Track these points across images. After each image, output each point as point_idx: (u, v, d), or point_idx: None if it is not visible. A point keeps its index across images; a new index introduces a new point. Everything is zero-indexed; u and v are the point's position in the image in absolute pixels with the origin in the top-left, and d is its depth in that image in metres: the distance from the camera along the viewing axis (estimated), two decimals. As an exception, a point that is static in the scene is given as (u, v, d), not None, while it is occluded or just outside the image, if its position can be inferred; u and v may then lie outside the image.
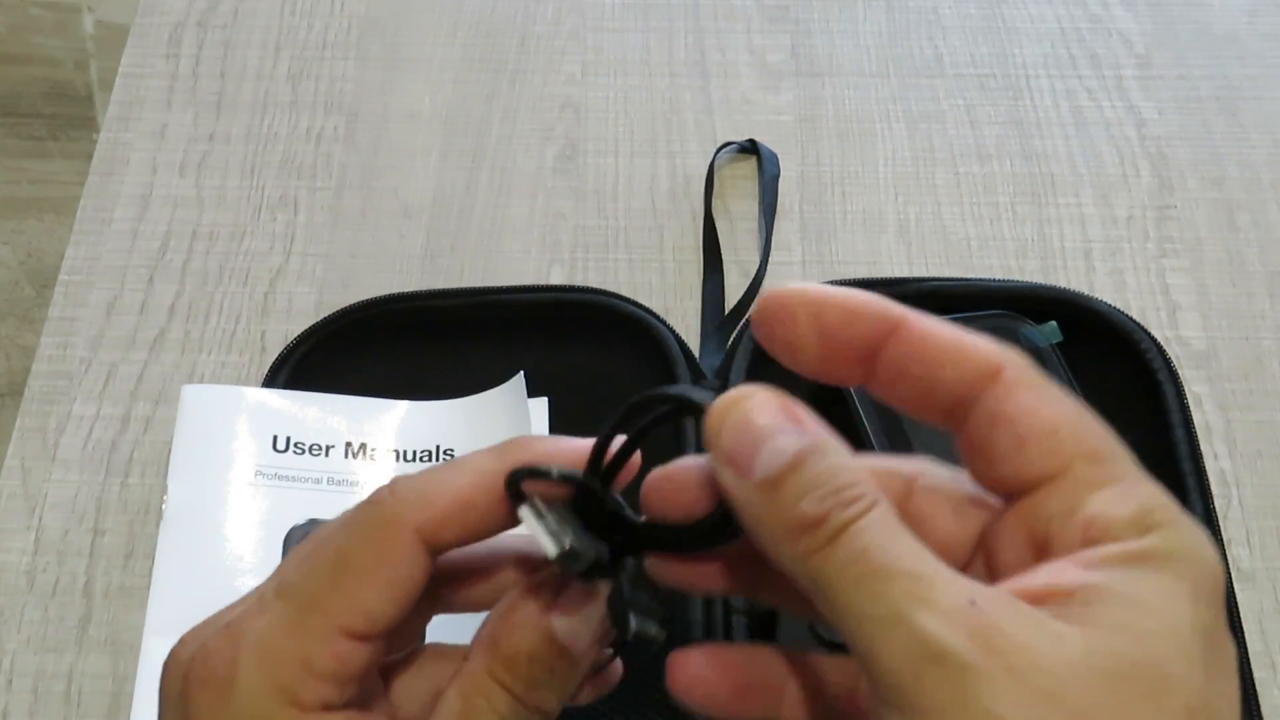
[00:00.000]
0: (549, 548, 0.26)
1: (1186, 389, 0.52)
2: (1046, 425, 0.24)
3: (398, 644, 0.29)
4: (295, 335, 0.55)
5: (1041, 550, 0.24)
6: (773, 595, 0.29)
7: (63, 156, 0.65)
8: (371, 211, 0.61)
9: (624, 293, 0.56)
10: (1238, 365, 0.56)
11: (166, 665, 0.28)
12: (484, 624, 0.28)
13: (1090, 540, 0.23)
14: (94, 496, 0.53)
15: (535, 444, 0.28)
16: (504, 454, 0.28)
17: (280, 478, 0.50)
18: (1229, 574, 0.49)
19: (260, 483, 0.50)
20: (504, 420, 0.51)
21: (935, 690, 0.21)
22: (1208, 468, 0.51)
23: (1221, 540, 0.50)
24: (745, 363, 0.52)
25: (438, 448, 0.51)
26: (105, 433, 0.54)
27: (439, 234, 0.60)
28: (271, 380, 0.53)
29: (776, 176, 0.61)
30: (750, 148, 0.62)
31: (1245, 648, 0.47)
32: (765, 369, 0.52)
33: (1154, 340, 0.53)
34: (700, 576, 0.28)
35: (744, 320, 0.55)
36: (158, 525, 0.52)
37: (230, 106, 0.64)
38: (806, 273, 0.59)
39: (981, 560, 0.26)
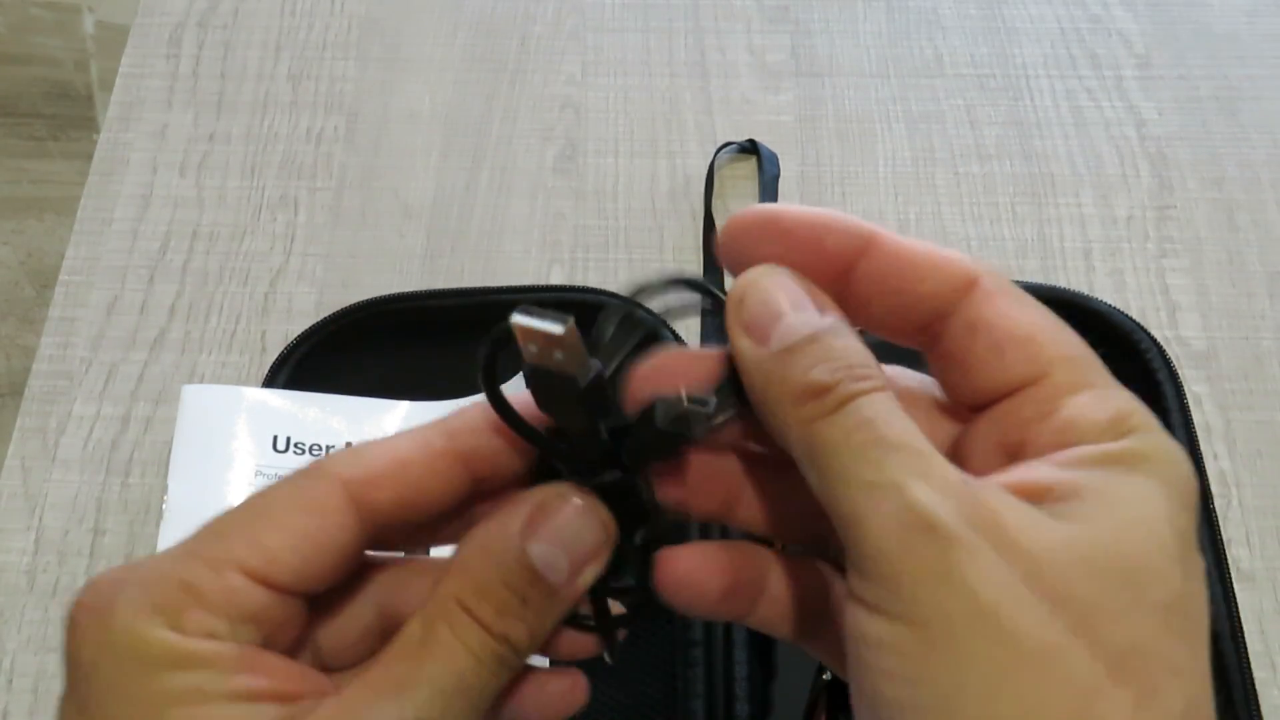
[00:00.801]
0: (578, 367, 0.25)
1: (1186, 389, 0.52)
2: (1025, 330, 0.24)
3: (340, 619, 0.27)
4: (295, 335, 0.55)
5: (1014, 455, 0.24)
6: (770, 524, 0.28)
7: (63, 156, 0.65)
8: (371, 211, 0.61)
9: (624, 293, 0.56)
10: (1238, 365, 0.56)
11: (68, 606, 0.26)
12: (456, 550, 0.26)
13: (1066, 443, 0.23)
14: (94, 496, 0.53)
15: (479, 408, 0.27)
16: (448, 422, 0.27)
17: (280, 478, 0.50)
18: (1226, 573, 0.49)
19: (260, 483, 0.50)
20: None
21: (919, 560, 0.21)
22: (1208, 468, 0.51)
23: (1221, 540, 0.50)
24: None
25: None
26: (105, 433, 0.54)
27: (439, 234, 0.60)
28: (272, 380, 0.53)
29: (777, 177, 0.61)
30: (750, 148, 0.62)
31: (1245, 648, 0.47)
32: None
33: (1154, 340, 0.53)
34: (704, 495, 0.27)
35: None
36: (158, 525, 0.52)
37: (230, 106, 0.64)
38: (806, 273, 0.59)
39: (976, 454, 0.25)
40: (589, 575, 0.26)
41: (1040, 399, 0.24)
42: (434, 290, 0.56)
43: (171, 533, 0.49)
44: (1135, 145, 0.63)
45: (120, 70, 0.66)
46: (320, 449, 0.51)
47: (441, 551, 0.27)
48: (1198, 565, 0.23)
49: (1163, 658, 0.21)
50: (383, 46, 0.67)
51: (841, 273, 0.25)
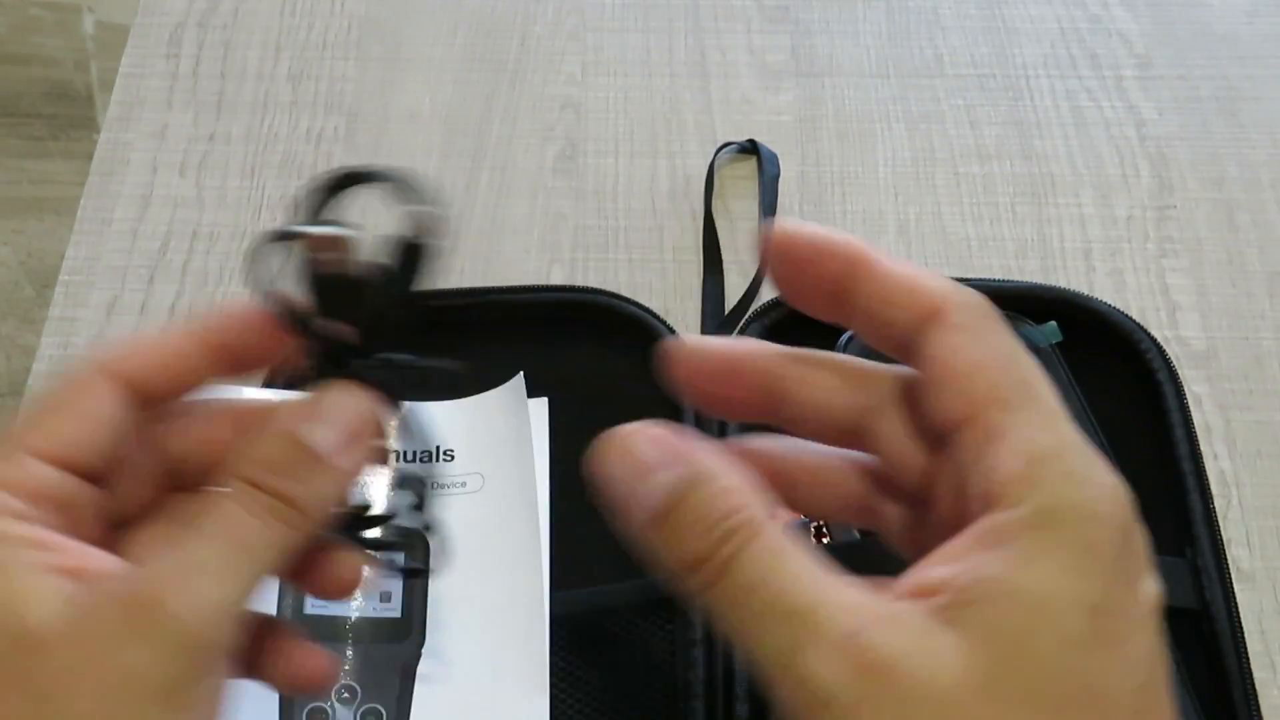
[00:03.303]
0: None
1: (1186, 389, 0.52)
2: (964, 367, 0.24)
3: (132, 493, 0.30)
4: (295, 335, 0.55)
5: (960, 496, 0.24)
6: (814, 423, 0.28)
7: (63, 156, 0.65)
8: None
9: (624, 293, 0.56)
10: (1238, 365, 0.56)
11: None
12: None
13: (987, 502, 0.23)
14: (94, 496, 0.53)
15: (238, 305, 0.30)
16: (207, 315, 0.30)
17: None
18: (1226, 573, 0.49)
19: None
20: (503, 421, 0.51)
21: None
22: (1207, 468, 0.51)
23: (1221, 540, 0.50)
24: None
25: (437, 448, 0.51)
26: (105, 433, 0.54)
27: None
28: (271, 381, 0.53)
29: (776, 176, 0.61)
30: (750, 148, 0.62)
31: (1245, 647, 0.47)
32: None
33: (1154, 340, 0.53)
34: (741, 386, 0.27)
35: (744, 320, 0.54)
36: (158, 525, 0.52)
37: (230, 106, 0.64)
38: (806, 273, 0.59)
39: (942, 497, 0.26)
40: (359, 450, 0.28)
41: (971, 442, 0.24)
42: (435, 290, 0.56)
43: None
44: (1135, 145, 0.63)
45: (120, 70, 0.66)
46: None
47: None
48: (1118, 624, 0.22)
49: None
50: (383, 46, 0.67)
51: (840, 290, 0.26)
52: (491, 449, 0.51)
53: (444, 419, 0.52)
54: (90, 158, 0.63)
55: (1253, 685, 0.47)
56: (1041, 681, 0.22)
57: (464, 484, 0.50)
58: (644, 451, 0.24)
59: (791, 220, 0.25)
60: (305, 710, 0.45)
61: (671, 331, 0.54)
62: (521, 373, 0.51)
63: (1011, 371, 0.24)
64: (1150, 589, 0.23)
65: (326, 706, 0.45)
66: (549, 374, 0.53)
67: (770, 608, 0.22)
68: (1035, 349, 0.50)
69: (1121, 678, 0.22)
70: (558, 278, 0.59)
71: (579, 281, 0.58)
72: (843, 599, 0.23)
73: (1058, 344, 0.51)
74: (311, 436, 0.27)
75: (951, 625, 0.22)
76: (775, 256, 0.26)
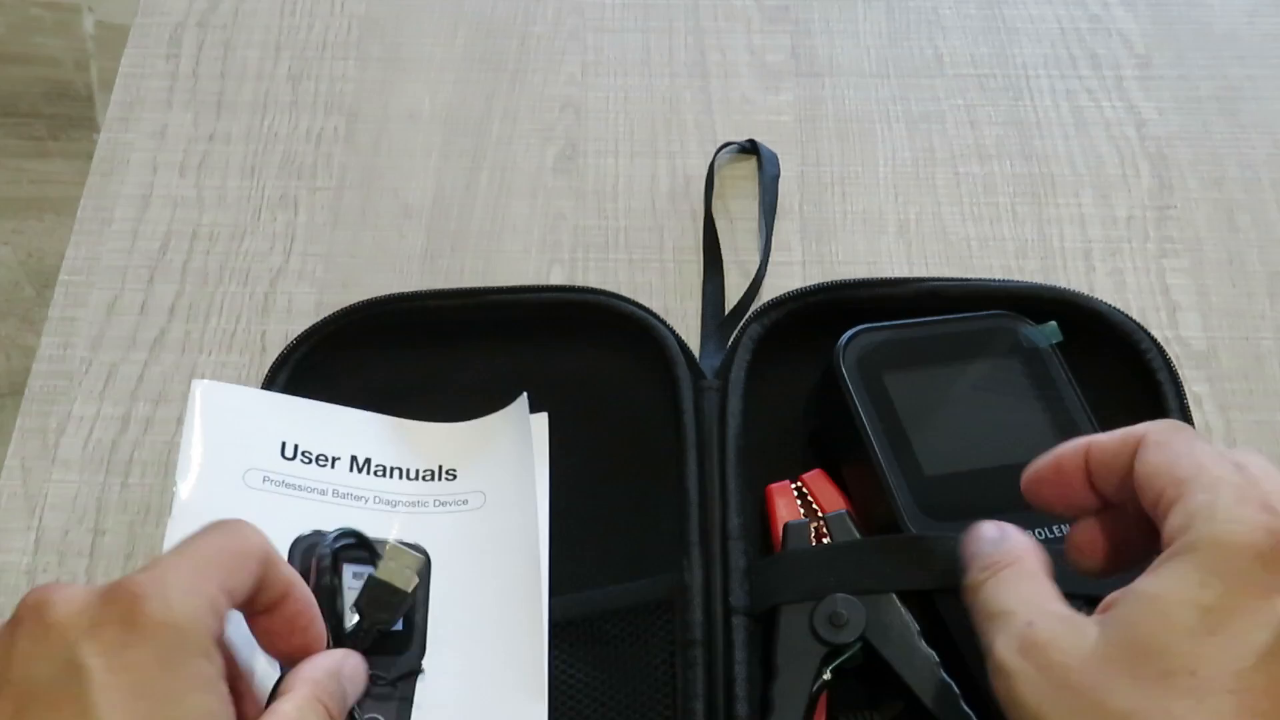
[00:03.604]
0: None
1: (1186, 389, 0.52)
2: (1150, 469, 0.33)
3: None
4: (295, 335, 0.55)
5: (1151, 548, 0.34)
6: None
7: (63, 156, 0.65)
8: (371, 211, 0.61)
9: (624, 293, 0.56)
10: (1238, 365, 0.56)
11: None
12: (303, 666, 0.39)
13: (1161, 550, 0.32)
14: (94, 496, 0.53)
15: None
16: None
17: (287, 485, 0.50)
18: None
19: (268, 488, 0.49)
20: (507, 443, 0.51)
21: (1004, 693, 0.33)
22: (1208, 468, 0.51)
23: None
24: (745, 362, 0.52)
25: (440, 467, 0.51)
26: (105, 433, 0.54)
27: (439, 234, 0.60)
28: (271, 381, 0.53)
29: (777, 177, 0.61)
30: (750, 148, 0.62)
31: None
32: (764, 370, 0.52)
33: (1154, 340, 0.53)
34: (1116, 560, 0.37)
35: (744, 320, 0.54)
36: (158, 525, 0.52)
37: (230, 106, 0.64)
38: (806, 272, 0.59)
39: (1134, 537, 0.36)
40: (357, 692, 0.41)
41: (1161, 514, 0.33)
42: (434, 290, 0.56)
43: (179, 529, 0.49)
44: (1135, 145, 0.63)
45: (120, 70, 0.66)
46: (327, 460, 0.50)
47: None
48: (1230, 624, 0.29)
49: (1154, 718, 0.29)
50: (383, 46, 0.67)
51: (1085, 480, 0.37)
52: (493, 468, 0.51)
53: (449, 440, 0.52)
54: (90, 158, 0.63)
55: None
56: (1148, 658, 0.29)
57: (465, 501, 0.50)
58: (980, 541, 0.38)
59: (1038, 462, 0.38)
60: None
61: (671, 332, 0.54)
62: (525, 395, 0.51)
63: (1184, 456, 0.33)
64: None
65: None
66: (547, 375, 0.53)
67: (988, 613, 0.35)
68: (1035, 349, 0.50)
69: (1224, 662, 0.29)
70: (558, 278, 0.59)
71: (579, 281, 0.58)
72: (1037, 606, 0.34)
73: (1058, 344, 0.51)
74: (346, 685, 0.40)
75: (1098, 621, 0.32)
76: (1036, 501, 0.38)
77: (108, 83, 0.66)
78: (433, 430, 0.52)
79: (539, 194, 0.62)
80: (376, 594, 0.45)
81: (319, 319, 0.55)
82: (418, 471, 0.51)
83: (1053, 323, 0.51)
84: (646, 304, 0.55)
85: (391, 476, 0.51)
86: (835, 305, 0.54)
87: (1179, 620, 0.29)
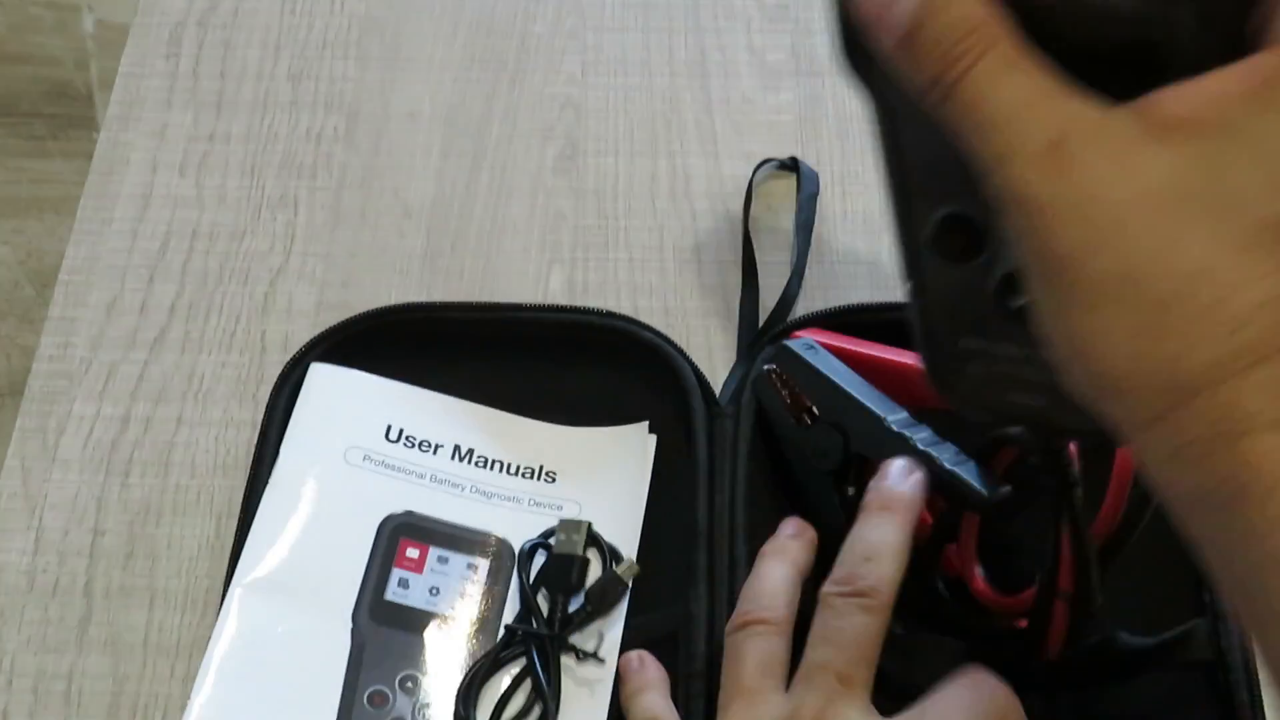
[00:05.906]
0: None
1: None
2: None
3: None
4: (294, 335, 0.55)
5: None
6: None
7: (63, 156, 0.65)
8: (371, 211, 0.61)
9: (624, 293, 0.56)
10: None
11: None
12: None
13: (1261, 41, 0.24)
14: (94, 496, 0.53)
15: None
16: None
17: (388, 466, 0.51)
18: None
19: (368, 467, 0.51)
20: (617, 460, 0.51)
21: (1018, 227, 0.25)
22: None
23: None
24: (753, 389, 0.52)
25: (541, 468, 0.52)
26: (105, 433, 0.54)
27: (439, 234, 0.60)
28: (282, 385, 0.53)
29: (815, 195, 0.59)
30: (791, 165, 0.61)
31: (1260, 698, 0.46)
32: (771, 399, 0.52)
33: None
34: None
35: (762, 342, 0.54)
36: (158, 525, 0.52)
37: (230, 106, 0.64)
38: (806, 272, 0.58)
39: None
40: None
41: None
42: (447, 303, 0.56)
43: (275, 495, 0.50)
44: (1135, 145, 0.63)
45: (120, 70, 0.66)
46: (429, 446, 0.52)
47: None
48: None
49: None
50: (383, 46, 0.67)
51: None
52: (598, 482, 0.51)
53: (556, 442, 0.52)
54: (90, 157, 0.63)
55: (1255, 685, 0.46)
56: (1235, 204, 0.23)
57: (560, 507, 0.51)
58: None
59: None
60: (367, 693, 0.46)
61: (687, 360, 0.53)
62: (646, 422, 0.52)
63: None
64: None
65: (388, 691, 0.46)
66: (552, 392, 0.53)
67: (983, 123, 0.25)
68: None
69: None
70: (558, 278, 0.59)
71: (579, 283, 0.58)
72: (1056, 108, 0.25)
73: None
74: None
75: (1167, 145, 0.24)
76: None
77: (108, 82, 0.66)
78: (540, 429, 0.53)
79: (539, 194, 0.61)
80: (603, 585, 0.47)
81: (318, 319, 0.55)
82: (518, 468, 0.52)
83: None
84: (647, 304, 0.55)
85: (492, 469, 0.52)
86: (849, 329, 0.52)
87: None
